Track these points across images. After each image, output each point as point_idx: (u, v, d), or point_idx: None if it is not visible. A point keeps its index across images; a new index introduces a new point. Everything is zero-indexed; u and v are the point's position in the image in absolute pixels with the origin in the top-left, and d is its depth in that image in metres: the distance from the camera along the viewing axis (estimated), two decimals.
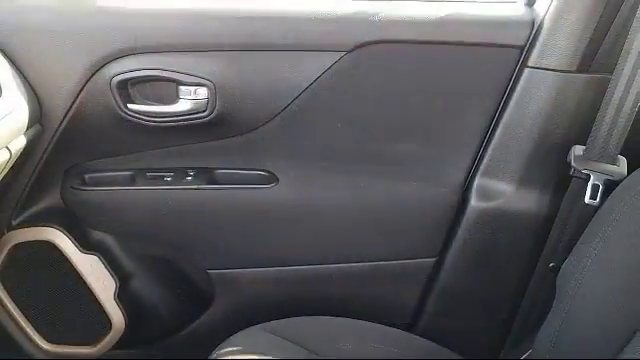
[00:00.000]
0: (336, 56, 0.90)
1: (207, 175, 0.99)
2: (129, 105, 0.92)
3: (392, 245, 1.00)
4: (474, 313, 1.02)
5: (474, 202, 0.97)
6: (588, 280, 0.83)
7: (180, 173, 0.99)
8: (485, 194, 0.97)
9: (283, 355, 0.83)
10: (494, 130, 0.95)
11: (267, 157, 0.99)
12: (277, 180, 0.98)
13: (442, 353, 0.94)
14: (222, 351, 0.83)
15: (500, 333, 1.02)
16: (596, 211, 0.86)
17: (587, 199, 0.89)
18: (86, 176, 0.99)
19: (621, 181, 0.86)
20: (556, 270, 0.91)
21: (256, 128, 0.96)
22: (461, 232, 0.98)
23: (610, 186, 0.88)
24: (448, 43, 0.92)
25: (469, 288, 1.01)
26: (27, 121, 0.86)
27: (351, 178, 0.99)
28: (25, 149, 0.87)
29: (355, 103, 0.95)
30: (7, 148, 0.81)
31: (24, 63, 0.88)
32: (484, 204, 0.97)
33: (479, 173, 0.97)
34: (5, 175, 0.88)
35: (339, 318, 0.94)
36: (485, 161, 0.96)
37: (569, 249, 0.89)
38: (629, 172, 0.88)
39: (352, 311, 0.98)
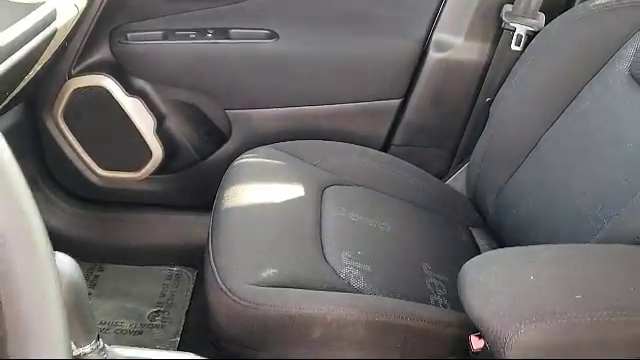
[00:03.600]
0: None
1: (223, 33, 1.25)
2: None
3: (368, 88, 1.28)
4: (430, 142, 1.32)
5: (432, 53, 1.24)
6: (510, 104, 1.12)
7: (202, 32, 1.25)
8: (440, 46, 1.24)
9: (283, 161, 1.13)
10: None
11: (270, 18, 1.24)
12: (278, 36, 1.24)
13: (406, 165, 1.25)
14: (239, 158, 1.14)
15: (449, 156, 1.33)
16: (519, 56, 1.15)
17: (513, 46, 1.17)
18: (128, 34, 1.25)
19: (539, 32, 1.14)
20: (490, 103, 1.21)
21: None
22: (421, 77, 1.26)
23: (531, 36, 1.15)
24: None
25: (427, 122, 1.30)
26: None
27: (336, 35, 1.25)
28: (84, 10, 1.13)
29: None
30: (75, 5, 1.07)
31: None
32: (439, 54, 1.24)
33: (436, 29, 1.24)
34: (68, 33, 1.14)
35: (328, 141, 1.25)
36: (441, 20, 1.23)
37: (500, 85, 1.18)
38: (545, 25, 1.15)
39: (337, 141, 1.28)
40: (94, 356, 0.62)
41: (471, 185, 1.20)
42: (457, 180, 1.28)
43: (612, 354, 0.55)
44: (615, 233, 0.75)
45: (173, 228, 1.43)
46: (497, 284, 0.59)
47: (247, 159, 1.12)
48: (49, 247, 0.34)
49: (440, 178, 1.30)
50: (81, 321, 0.57)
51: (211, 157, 1.37)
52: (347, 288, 0.86)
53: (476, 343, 0.76)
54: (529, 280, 0.59)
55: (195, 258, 1.33)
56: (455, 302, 0.87)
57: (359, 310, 0.78)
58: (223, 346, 0.86)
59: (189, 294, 1.34)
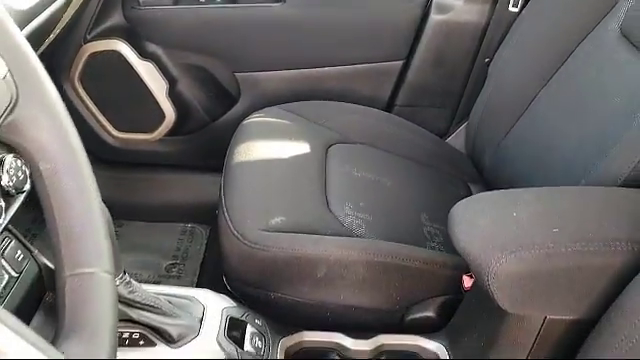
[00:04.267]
0: None
1: None
2: None
3: (371, 50, 1.33)
4: (431, 102, 1.38)
5: (433, 15, 1.28)
6: (507, 64, 1.17)
7: None
8: (441, 8, 1.28)
9: (290, 121, 1.19)
10: None
11: None
12: (284, 0, 1.29)
13: (408, 125, 1.30)
14: (248, 117, 1.20)
15: (449, 115, 1.39)
16: (517, 16, 1.19)
17: (511, 7, 1.21)
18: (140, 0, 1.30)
19: None
20: (489, 63, 1.26)
21: None
22: (423, 39, 1.30)
23: None
24: None
25: (428, 83, 1.35)
26: None
27: None
28: None
29: None
30: None
31: None
32: (440, 16, 1.28)
33: None
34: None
35: (332, 102, 1.30)
36: None
37: (498, 46, 1.22)
38: None
39: (342, 101, 1.34)
40: (122, 289, 0.69)
41: (470, 142, 1.26)
42: (457, 138, 1.34)
43: (583, 280, 0.61)
44: (598, 178, 0.80)
45: (186, 187, 1.50)
46: (482, 220, 0.65)
47: (256, 118, 1.18)
48: (92, 174, 0.41)
49: (441, 137, 1.36)
50: None
51: (221, 119, 1.43)
52: (349, 235, 0.93)
53: (467, 282, 0.83)
54: (512, 216, 0.65)
55: (207, 215, 1.40)
56: (449, 247, 0.93)
57: (359, 252, 0.85)
58: (236, 287, 0.93)
59: (203, 248, 1.42)
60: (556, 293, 0.62)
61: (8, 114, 0.37)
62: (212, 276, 1.36)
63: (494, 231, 0.63)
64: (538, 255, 0.61)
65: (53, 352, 0.33)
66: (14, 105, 0.38)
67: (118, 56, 1.32)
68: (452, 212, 0.69)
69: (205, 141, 1.46)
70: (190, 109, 1.43)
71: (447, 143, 1.34)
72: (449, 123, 1.38)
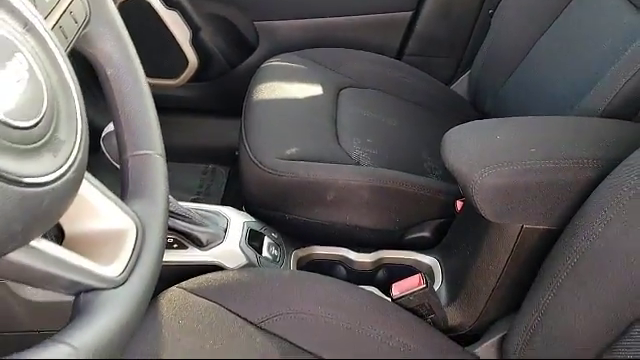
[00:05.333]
0: None
1: None
2: None
3: (382, 1, 1.41)
4: (438, 51, 1.46)
5: None
6: (509, 15, 1.25)
7: None
8: None
9: (305, 66, 1.28)
10: None
11: None
12: None
13: (416, 72, 1.39)
14: (267, 62, 1.29)
15: (454, 63, 1.47)
16: None
17: None
18: None
19: None
20: (492, 14, 1.33)
21: None
22: None
23: None
24: None
25: (436, 33, 1.43)
26: None
27: None
28: None
29: None
30: None
31: None
32: None
33: None
34: None
35: (345, 49, 1.38)
36: None
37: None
38: None
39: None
40: None
41: (472, 89, 1.34)
42: (461, 85, 1.43)
43: (554, 193, 0.71)
44: (582, 112, 0.90)
45: (207, 130, 1.61)
46: (470, 141, 0.75)
47: (273, 63, 1.28)
48: (145, 78, 0.51)
49: (446, 84, 1.45)
50: None
51: (240, 66, 1.52)
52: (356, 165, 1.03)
53: (459, 205, 0.93)
54: (496, 139, 0.74)
55: (226, 157, 1.52)
56: (446, 179, 1.04)
57: (364, 178, 0.96)
58: (255, 212, 1.04)
59: (223, 186, 1.53)
60: (531, 204, 0.72)
61: (84, 28, 0.47)
62: None
63: (478, 150, 0.73)
64: (516, 170, 0.71)
65: (126, 207, 0.44)
66: (88, 21, 0.48)
67: (146, 5, 1.41)
68: (445, 136, 0.79)
69: (225, 87, 1.56)
70: (211, 56, 1.53)
71: (451, 90, 1.43)
72: (454, 71, 1.47)
